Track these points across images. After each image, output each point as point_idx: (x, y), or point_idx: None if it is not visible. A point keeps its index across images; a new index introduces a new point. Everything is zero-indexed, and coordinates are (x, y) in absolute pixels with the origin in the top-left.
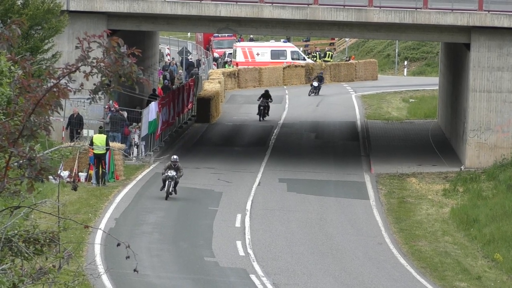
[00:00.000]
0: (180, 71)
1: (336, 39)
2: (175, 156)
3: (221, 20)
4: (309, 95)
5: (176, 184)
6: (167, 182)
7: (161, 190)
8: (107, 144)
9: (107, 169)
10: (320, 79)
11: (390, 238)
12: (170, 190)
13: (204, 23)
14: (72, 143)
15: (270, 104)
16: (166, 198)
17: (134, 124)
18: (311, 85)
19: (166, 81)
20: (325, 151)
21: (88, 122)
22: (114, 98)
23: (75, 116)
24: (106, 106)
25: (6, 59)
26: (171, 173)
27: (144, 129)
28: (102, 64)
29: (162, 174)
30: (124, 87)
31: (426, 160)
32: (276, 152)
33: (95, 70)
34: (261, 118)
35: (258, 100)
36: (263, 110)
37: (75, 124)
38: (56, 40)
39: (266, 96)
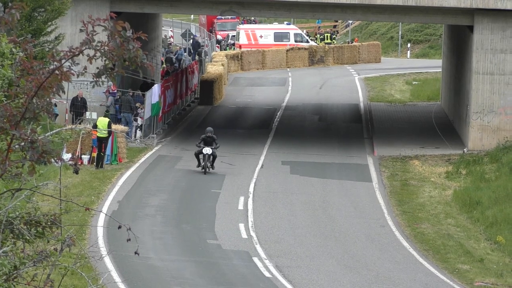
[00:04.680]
0: (185, 53)
1: (339, 21)
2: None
3: (225, 2)
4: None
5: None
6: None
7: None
8: (109, 127)
9: (109, 151)
10: (210, 142)
11: (393, 220)
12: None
13: (207, 5)
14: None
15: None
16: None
17: (138, 104)
18: (198, 153)
19: (175, 65)
20: (328, 133)
21: (90, 104)
22: (116, 82)
23: (79, 99)
24: (105, 91)
25: (8, 41)
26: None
27: (147, 112)
28: (106, 47)
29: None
30: (127, 70)
31: (429, 143)
32: (279, 135)
33: (99, 54)
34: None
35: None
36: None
37: (79, 107)
38: (59, 22)
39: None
